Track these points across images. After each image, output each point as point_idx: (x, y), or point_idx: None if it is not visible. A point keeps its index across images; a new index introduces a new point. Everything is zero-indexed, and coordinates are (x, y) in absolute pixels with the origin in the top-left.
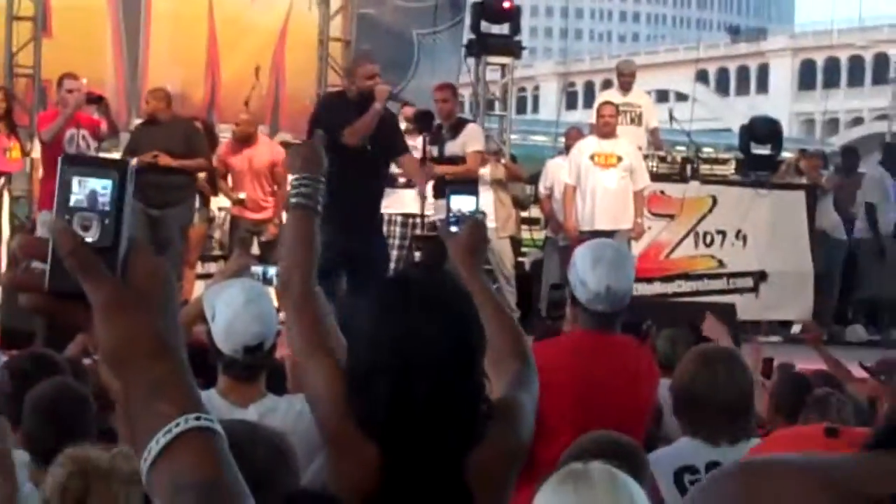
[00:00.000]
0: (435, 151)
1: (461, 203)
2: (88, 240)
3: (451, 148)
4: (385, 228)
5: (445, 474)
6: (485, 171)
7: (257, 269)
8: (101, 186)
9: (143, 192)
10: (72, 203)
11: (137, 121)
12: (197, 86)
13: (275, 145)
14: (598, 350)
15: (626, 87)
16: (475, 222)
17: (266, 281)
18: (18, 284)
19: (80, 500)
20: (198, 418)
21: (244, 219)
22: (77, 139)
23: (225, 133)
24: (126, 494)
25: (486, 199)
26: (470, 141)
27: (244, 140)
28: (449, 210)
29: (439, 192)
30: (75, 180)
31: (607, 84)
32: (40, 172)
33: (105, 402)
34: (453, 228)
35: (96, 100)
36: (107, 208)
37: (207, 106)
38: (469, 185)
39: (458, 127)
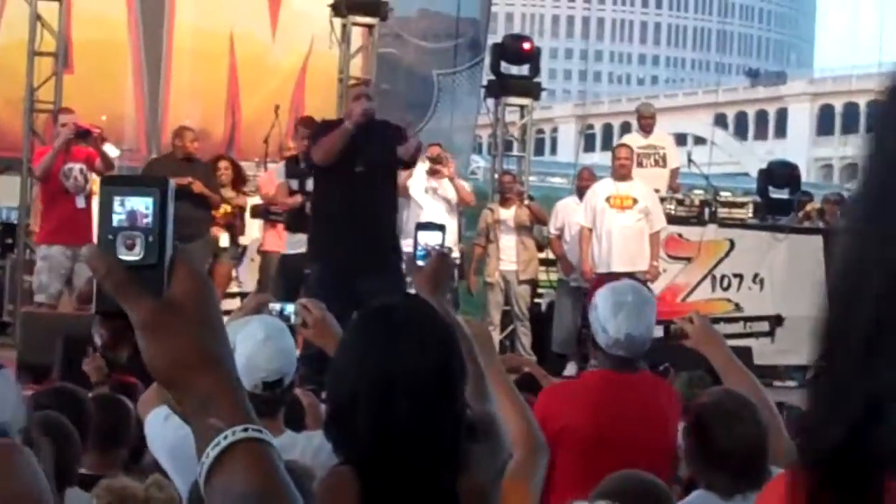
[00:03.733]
0: None
1: (428, 238)
2: (133, 258)
3: None
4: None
5: (435, 501)
6: (508, 214)
7: (275, 305)
8: (143, 204)
9: None
10: (114, 223)
11: (155, 156)
12: (217, 123)
13: None
14: (615, 388)
15: (647, 129)
16: (440, 255)
17: (283, 318)
18: (82, 298)
19: None
20: (245, 429)
21: (275, 253)
22: (74, 173)
23: (244, 171)
24: None
25: (509, 242)
26: None
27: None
28: (416, 244)
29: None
30: (116, 200)
31: (626, 127)
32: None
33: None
34: (420, 262)
35: (83, 134)
36: (149, 226)
37: (227, 143)
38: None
39: None
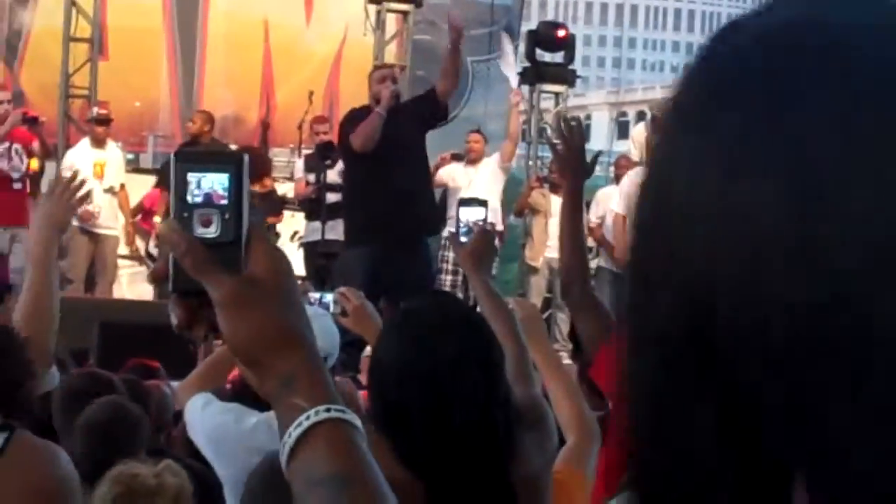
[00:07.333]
0: None
1: (470, 214)
2: (210, 236)
3: None
4: (440, 253)
5: (493, 492)
6: (557, 202)
7: (314, 294)
8: (218, 180)
9: None
10: (190, 200)
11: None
12: (251, 109)
13: None
14: None
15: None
16: (483, 232)
17: (322, 306)
18: (158, 274)
19: None
20: (328, 409)
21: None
22: (10, 154)
23: (279, 157)
24: None
25: (556, 230)
26: None
27: None
28: (459, 221)
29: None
30: (191, 176)
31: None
32: None
33: (161, 423)
34: (463, 239)
35: (31, 121)
36: (225, 202)
37: (261, 130)
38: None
39: None
